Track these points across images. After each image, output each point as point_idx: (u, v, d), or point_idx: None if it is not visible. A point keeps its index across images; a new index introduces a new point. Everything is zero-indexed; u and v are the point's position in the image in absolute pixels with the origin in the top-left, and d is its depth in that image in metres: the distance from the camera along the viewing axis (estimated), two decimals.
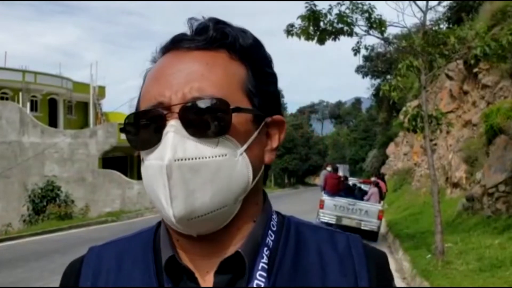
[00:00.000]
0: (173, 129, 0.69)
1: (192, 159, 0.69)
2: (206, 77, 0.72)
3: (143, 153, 0.74)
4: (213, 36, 0.75)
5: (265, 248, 0.75)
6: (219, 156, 0.70)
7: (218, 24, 0.77)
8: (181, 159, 0.68)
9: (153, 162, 0.71)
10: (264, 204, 0.80)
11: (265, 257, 0.74)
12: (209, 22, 0.76)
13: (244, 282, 0.72)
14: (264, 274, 0.73)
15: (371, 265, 0.77)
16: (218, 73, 0.73)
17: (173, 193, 0.68)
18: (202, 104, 0.70)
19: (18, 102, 28.30)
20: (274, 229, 0.78)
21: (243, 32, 0.78)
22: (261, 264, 0.73)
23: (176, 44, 0.77)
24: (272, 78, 0.80)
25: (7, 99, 29.99)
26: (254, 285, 0.72)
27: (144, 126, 0.73)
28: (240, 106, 0.72)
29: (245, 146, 0.73)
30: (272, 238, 0.77)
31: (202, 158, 0.69)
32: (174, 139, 0.69)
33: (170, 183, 0.68)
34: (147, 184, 0.73)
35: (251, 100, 0.75)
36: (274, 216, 0.80)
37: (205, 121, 0.70)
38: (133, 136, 0.75)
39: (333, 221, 13.36)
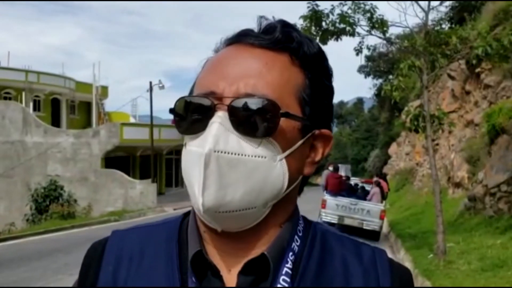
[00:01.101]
0: (219, 120, 0.69)
1: (232, 153, 0.68)
2: (262, 76, 0.71)
3: (187, 138, 0.74)
4: (278, 37, 0.75)
5: (291, 253, 0.74)
6: (258, 157, 0.70)
7: (286, 27, 0.76)
8: (221, 151, 0.68)
9: (193, 149, 0.71)
10: (293, 210, 0.79)
11: (289, 262, 0.73)
12: (277, 24, 0.76)
13: (268, 285, 0.71)
14: (288, 279, 0.72)
15: (395, 280, 0.77)
16: (275, 74, 0.72)
17: (207, 183, 0.68)
18: (253, 102, 0.69)
19: (21, 102, 28.37)
20: (300, 234, 0.78)
21: (309, 40, 0.77)
22: (285, 269, 0.72)
23: (240, 38, 0.76)
24: (328, 91, 0.79)
25: (10, 99, 30.06)
26: None
27: (193, 112, 0.72)
28: (290, 112, 0.71)
29: (286, 153, 0.72)
30: (297, 244, 0.76)
31: (242, 155, 0.69)
32: (218, 130, 0.68)
33: (205, 172, 0.67)
34: (184, 169, 0.73)
35: (303, 109, 0.74)
36: (301, 221, 0.80)
37: (252, 119, 0.69)
38: (180, 120, 0.74)
39: (335, 221, 13.36)
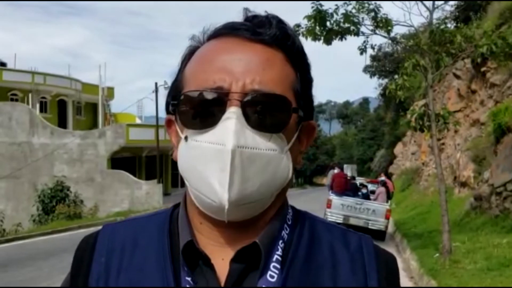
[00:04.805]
0: (235, 116, 0.70)
1: (252, 148, 0.70)
2: (267, 72, 0.73)
3: (191, 132, 0.74)
4: (276, 34, 0.77)
5: (280, 241, 0.77)
6: (271, 150, 0.72)
7: (280, 23, 0.78)
8: (243, 147, 0.70)
9: (206, 145, 0.71)
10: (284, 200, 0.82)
11: (280, 250, 0.76)
12: (272, 19, 0.78)
13: (259, 272, 0.73)
14: (278, 266, 0.74)
15: (381, 266, 0.79)
16: (277, 70, 0.75)
17: (233, 178, 0.69)
18: (266, 98, 0.72)
19: (27, 103, 28.58)
20: (290, 223, 0.80)
21: (295, 36, 0.80)
22: (275, 256, 0.75)
23: (233, 31, 0.77)
24: (311, 84, 0.83)
25: (17, 100, 30.29)
26: (268, 276, 0.73)
27: (201, 106, 0.72)
28: (297, 107, 0.75)
29: (289, 145, 0.75)
30: (287, 232, 0.78)
31: (259, 149, 0.71)
32: (236, 126, 0.70)
33: (231, 168, 0.69)
34: (191, 165, 0.73)
35: (298, 102, 0.77)
36: (290, 211, 0.82)
37: (266, 115, 0.72)
38: (185, 114, 0.74)
39: (340, 221, 13.33)
